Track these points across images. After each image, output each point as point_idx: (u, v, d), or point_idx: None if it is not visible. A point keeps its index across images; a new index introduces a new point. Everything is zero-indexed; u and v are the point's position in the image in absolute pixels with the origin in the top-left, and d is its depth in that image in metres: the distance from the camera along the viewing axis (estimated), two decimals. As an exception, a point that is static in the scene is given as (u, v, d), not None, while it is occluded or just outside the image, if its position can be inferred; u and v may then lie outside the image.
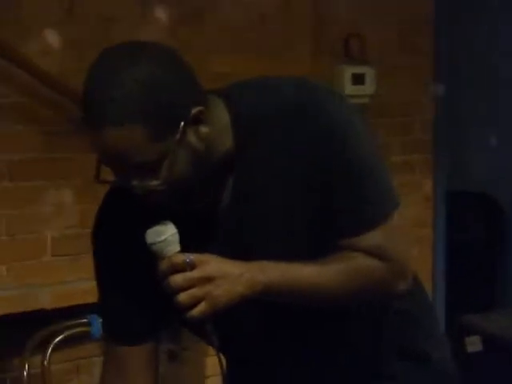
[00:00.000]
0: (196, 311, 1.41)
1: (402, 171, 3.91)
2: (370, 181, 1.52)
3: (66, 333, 2.83)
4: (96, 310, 1.72)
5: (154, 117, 1.37)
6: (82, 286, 2.94)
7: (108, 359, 1.69)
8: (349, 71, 3.71)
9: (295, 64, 3.53)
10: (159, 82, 1.38)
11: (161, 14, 3.27)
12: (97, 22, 3.12)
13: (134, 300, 1.60)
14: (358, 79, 3.73)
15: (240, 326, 1.59)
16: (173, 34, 3.20)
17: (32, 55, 2.97)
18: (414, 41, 3.95)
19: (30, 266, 3.06)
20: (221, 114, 1.50)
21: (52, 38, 3.05)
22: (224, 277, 1.42)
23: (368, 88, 3.76)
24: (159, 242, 1.42)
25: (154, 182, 1.41)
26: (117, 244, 1.58)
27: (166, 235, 1.43)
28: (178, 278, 1.40)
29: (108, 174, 1.46)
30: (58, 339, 2.81)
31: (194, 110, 1.41)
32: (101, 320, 1.71)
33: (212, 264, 1.43)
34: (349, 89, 3.70)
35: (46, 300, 3.03)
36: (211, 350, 1.49)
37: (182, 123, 1.39)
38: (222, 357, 1.56)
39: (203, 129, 1.43)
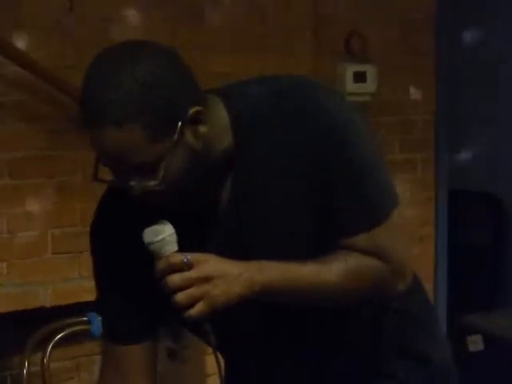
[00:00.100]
0: (193, 311, 1.40)
1: (403, 170, 3.91)
2: (370, 179, 1.52)
3: (67, 331, 2.82)
4: (96, 308, 1.72)
5: (153, 117, 1.37)
6: (83, 284, 2.94)
7: (106, 358, 1.69)
8: (350, 69, 3.72)
9: (297, 63, 3.53)
10: (158, 83, 1.37)
11: (161, 13, 3.26)
12: (97, 22, 3.11)
13: (132, 299, 1.60)
14: (360, 77, 3.73)
15: (238, 325, 1.59)
16: (173, 34, 3.19)
17: (32, 54, 2.97)
18: (415, 40, 3.95)
19: (30, 264, 3.07)
20: (220, 114, 1.49)
21: (52, 37, 3.05)
22: (222, 276, 1.42)
23: (370, 86, 3.76)
24: (157, 241, 1.42)
25: (152, 183, 1.40)
26: (115, 243, 1.58)
27: (163, 235, 1.43)
28: (175, 278, 1.40)
29: (107, 173, 1.46)
30: (58, 337, 2.80)
31: (193, 110, 1.41)
32: (101, 318, 1.71)
33: (210, 264, 1.43)
34: (350, 87, 3.71)
35: (46, 298, 3.03)
36: (211, 349, 1.49)
37: (180, 123, 1.39)
38: (220, 356, 1.56)
39: (202, 129, 1.43)
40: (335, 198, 1.49)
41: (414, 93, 3.97)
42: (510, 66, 4.62)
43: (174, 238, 1.44)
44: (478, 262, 4.66)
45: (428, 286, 3.94)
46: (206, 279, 1.41)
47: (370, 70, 3.75)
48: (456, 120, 4.34)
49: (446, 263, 4.19)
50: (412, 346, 1.72)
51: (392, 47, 3.86)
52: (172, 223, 1.44)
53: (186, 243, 1.44)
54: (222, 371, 1.55)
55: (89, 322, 2.78)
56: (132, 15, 3.20)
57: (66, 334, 2.82)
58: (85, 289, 2.83)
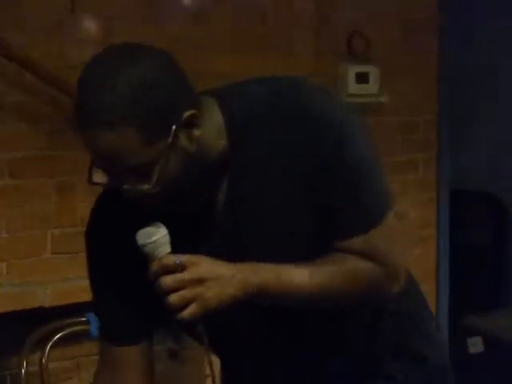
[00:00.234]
0: (186, 313, 1.41)
1: (405, 170, 3.90)
2: (366, 182, 1.52)
3: (66, 331, 2.82)
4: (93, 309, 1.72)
5: (147, 120, 1.36)
6: (82, 284, 2.90)
7: (103, 359, 1.69)
8: (353, 70, 3.71)
9: (297, 63, 3.53)
10: (152, 86, 1.37)
11: (161, 14, 3.26)
12: (98, 23, 3.11)
13: (127, 301, 1.60)
14: (362, 78, 3.72)
15: (232, 327, 1.59)
16: (173, 34, 3.19)
17: (32, 54, 2.97)
18: (417, 40, 3.94)
19: (29, 264, 3.06)
20: (214, 116, 1.49)
21: (52, 37, 3.05)
22: (215, 278, 1.42)
23: (372, 87, 3.75)
24: (150, 243, 1.43)
25: (146, 186, 1.40)
26: (110, 245, 1.58)
27: (156, 236, 1.43)
28: (168, 280, 1.40)
29: (102, 176, 1.46)
30: (56, 337, 2.80)
31: (187, 114, 1.40)
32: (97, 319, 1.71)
33: (203, 265, 1.43)
34: (353, 88, 3.70)
35: (45, 298, 3.04)
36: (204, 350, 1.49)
37: (174, 127, 1.39)
38: (214, 358, 1.56)
39: (196, 132, 1.43)
40: (331, 199, 1.49)
41: (416, 93, 3.97)
42: (511, 66, 4.61)
43: (167, 239, 1.44)
44: (478, 262, 4.65)
45: (430, 287, 3.95)
46: (199, 281, 1.41)
47: (373, 71, 3.74)
48: (457, 120, 4.33)
49: (448, 264, 4.18)
50: (408, 346, 1.72)
51: (393, 47, 3.85)
52: (168, 225, 1.44)
53: (182, 245, 1.44)
54: (215, 373, 1.55)
55: (88, 322, 2.78)
56: (133, 15, 3.19)
57: (64, 334, 2.82)
58: (84, 289, 2.79)
